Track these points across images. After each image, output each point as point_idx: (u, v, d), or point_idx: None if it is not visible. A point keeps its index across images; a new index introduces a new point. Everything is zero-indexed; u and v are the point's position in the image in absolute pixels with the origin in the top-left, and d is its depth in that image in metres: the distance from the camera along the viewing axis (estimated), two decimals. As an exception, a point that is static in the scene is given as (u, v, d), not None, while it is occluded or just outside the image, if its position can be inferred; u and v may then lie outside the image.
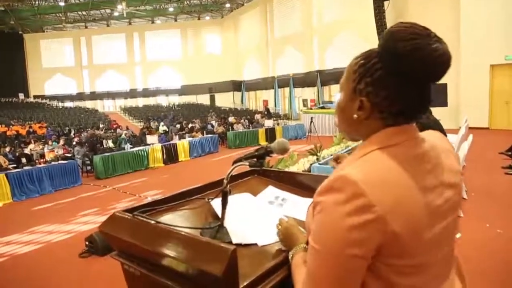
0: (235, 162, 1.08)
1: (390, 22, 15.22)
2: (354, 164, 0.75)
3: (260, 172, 1.61)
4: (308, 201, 1.31)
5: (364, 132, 0.80)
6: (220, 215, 1.11)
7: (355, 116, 0.79)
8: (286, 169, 4.78)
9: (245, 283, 0.85)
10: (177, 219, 1.20)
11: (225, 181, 1.07)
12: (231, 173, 1.08)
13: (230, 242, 1.02)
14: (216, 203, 1.21)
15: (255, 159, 1.06)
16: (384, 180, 0.70)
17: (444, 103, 8.38)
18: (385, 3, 15.07)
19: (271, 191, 1.41)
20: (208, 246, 0.85)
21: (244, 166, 1.13)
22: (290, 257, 0.92)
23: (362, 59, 0.79)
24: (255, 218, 1.18)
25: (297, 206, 1.28)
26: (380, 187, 0.69)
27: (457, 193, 0.81)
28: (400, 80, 0.74)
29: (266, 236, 1.07)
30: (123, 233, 1.06)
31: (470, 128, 9.14)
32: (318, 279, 0.72)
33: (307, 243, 0.80)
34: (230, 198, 1.11)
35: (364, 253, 0.68)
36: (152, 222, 1.06)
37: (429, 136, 0.83)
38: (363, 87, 0.77)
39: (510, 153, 7.68)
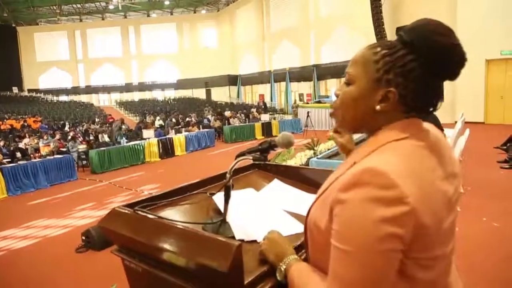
0: (238, 156, 1.06)
1: (386, 16, 15.19)
2: (375, 156, 0.73)
3: (261, 167, 1.59)
4: (314, 197, 1.30)
5: (379, 125, 0.79)
6: (222, 210, 1.10)
7: (378, 107, 0.77)
8: (284, 164, 4.77)
9: (250, 279, 0.83)
10: (178, 214, 1.18)
11: (227, 175, 1.05)
12: (234, 167, 1.06)
13: (233, 238, 1.01)
14: (218, 198, 1.19)
15: (258, 153, 1.04)
16: (411, 170, 0.69)
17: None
18: (382, -3, 15.02)
19: (275, 185, 1.40)
20: (212, 241, 0.84)
21: (244, 161, 1.11)
22: (282, 269, 0.85)
23: (384, 49, 0.78)
24: (258, 214, 1.17)
25: (303, 202, 1.26)
26: (409, 178, 0.67)
27: (459, 183, 0.81)
28: (431, 74, 0.75)
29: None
30: (124, 228, 1.04)
31: (465, 122, 9.18)
32: (351, 282, 0.67)
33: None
34: (233, 193, 1.09)
35: (400, 247, 0.66)
36: (154, 217, 1.04)
37: (428, 126, 0.83)
38: (392, 78, 0.75)
39: (505, 147, 7.74)
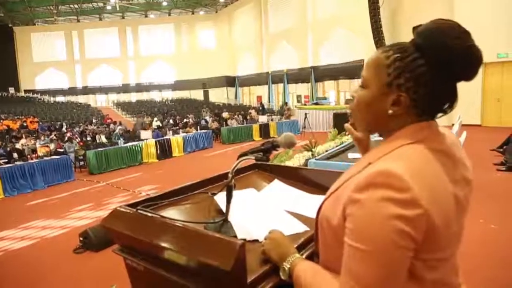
0: (240, 156, 1.07)
1: (384, 18, 15.25)
2: (390, 159, 0.74)
3: (261, 167, 1.60)
4: (314, 197, 1.31)
5: (392, 127, 0.80)
6: (223, 210, 1.10)
7: (390, 111, 0.78)
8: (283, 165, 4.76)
9: (252, 278, 0.84)
10: (180, 214, 1.19)
11: (230, 175, 1.06)
12: (237, 167, 1.07)
13: (235, 237, 1.02)
14: (220, 198, 1.20)
15: (261, 153, 1.05)
16: (423, 173, 0.71)
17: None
18: (380, -1, 15.08)
19: (276, 186, 1.41)
20: (215, 240, 0.84)
21: (245, 161, 1.12)
22: (286, 268, 0.86)
23: (396, 53, 0.78)
24: (259, 214, 1.18)
25: (303, 202, 1.27)
26: (422, 181, 0.69)
27: (471, 189, 0.83)
28: (442, 77, 0.75)
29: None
30: (126, 228, 1.04)
31: (462, 125, 9.23)
32: (366, 280, 0.69)
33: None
34: (234, 193, 1.10)
35: (413, 247, 0.68)
36: (156, 216, 1.05)
37: (445, 130, 0.84)
38: (403, 82, 0.76)
39: (501, 150, 7.78)
